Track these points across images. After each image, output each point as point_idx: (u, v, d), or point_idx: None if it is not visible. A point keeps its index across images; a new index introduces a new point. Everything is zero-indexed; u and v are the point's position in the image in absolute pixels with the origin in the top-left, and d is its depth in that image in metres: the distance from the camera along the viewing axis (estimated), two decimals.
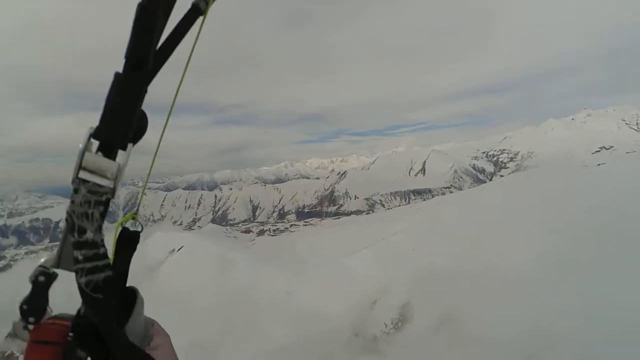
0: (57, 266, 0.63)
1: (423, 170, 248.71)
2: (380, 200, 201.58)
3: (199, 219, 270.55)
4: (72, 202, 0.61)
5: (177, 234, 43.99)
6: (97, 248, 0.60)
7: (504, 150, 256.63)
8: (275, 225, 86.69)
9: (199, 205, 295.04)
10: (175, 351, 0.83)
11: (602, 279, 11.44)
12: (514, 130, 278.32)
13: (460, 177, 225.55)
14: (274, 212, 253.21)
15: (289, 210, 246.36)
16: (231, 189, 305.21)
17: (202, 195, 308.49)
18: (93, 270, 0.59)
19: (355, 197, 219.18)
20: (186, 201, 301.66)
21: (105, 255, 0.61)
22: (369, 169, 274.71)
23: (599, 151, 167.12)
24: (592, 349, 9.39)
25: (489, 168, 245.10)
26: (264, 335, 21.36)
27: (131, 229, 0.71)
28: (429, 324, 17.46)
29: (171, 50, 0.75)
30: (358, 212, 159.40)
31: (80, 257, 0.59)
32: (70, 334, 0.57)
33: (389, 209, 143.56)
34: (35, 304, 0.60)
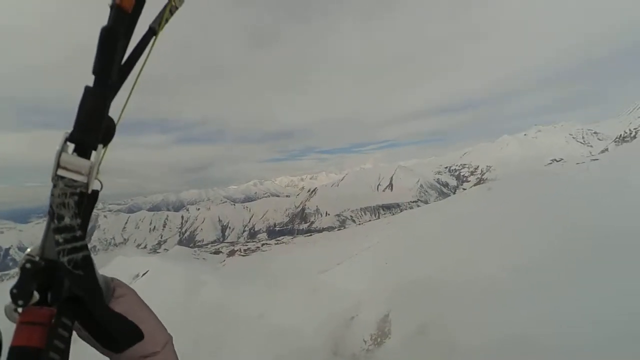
0: (42, 255, 0.68)
1: (390, 185, 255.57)
2: (351, 216, 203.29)
3: (165, 241, 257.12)
4: (52, 195, 0.68)
5: (141, 257, 41.06)
6: (74, 231, 0.67)
7: (464, 165, 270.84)
8: (246, 245, 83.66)
9: (164, 226, 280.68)
10: (143, 300, 0.89)
11: (575, 285, 11.99)
12: (473, 146, 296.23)
13: (426, 191, 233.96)
14: (244, 231, 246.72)
15: (260, 229, 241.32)
16: (199, 209, 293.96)
17: (167, 216, 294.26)
18: (72, 250, 0.65)
19: (326, 213, 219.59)
20: (150, 223, 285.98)
21: (82, 237, 0.67)
22: (338, 185, 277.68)
23: (550, 163, 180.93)
24: (570, 357, 9.71)
25: (452, 182, 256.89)
26: (235, 355, 20.20)
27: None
28: (408, 337, 17.35)
29: (132, 66, 0.85)
30: (330, 229, 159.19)
31: (60, 240, 0.66)
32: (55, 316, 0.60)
33: (359, 224, 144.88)
34: (23, 288, 0.65)
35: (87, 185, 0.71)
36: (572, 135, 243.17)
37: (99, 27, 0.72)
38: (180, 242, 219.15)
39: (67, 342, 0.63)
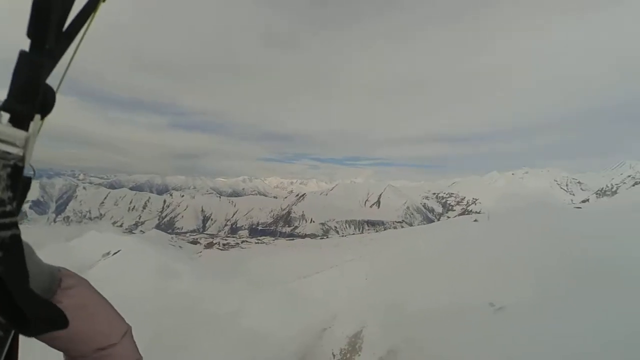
0: None
1: (378, 202, 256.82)
2: (335, 227, 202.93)
3: (143, 222, 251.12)
4: None
5: (115, 235, 39.74)
6: (4, 205, 0.61)
7: (452, 194, 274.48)
8: (226, 240, 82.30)
9: (144, 208, 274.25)
10: (96, 291, 0.83)
11: (554, 316, 12.06)
12: (462, 177, 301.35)
13: (412, 214, 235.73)
14: (225, 225, 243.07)
15: (242, 226, 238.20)
16: (183, 195, 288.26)
17: (149, 198, 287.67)
18: (0, 227, 0.59)
19: (311, 220, 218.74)
20: (131, 202, 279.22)
21: (12, 213, 0.62)
22: (327, 194, 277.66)
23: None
24: None
25: (438, 209, 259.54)
26: (201, 355, 19.47)
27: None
28: (378, 357, 17.09)
29: (76, 32, 0.78)
30: (312, 236, 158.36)
31: None
32: None
33: (343, 236, 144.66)
34: None
35: (22, 158, 0.66)
36: (557, 181, 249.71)
37: None
38: (158, 227, 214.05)
39: None
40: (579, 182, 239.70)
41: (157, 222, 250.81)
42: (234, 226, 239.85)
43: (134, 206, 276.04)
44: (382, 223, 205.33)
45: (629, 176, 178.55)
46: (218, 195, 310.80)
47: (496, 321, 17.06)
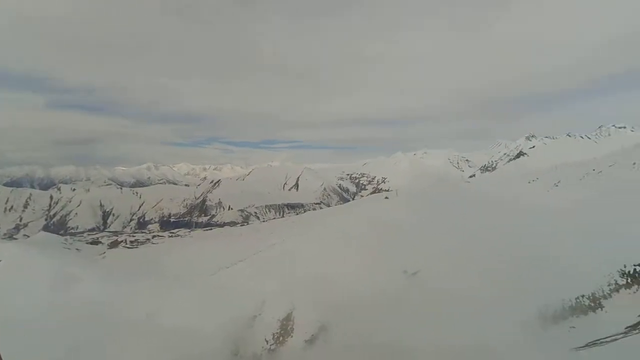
0: None
1: (297, 185, 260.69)
2: (255, 212, 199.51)
3: (26, 225, 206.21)
4: None
5: None
6: None
7: (363, 174, 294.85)
8: (134, 236, 73.71)
9: (25, 207, 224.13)
10: None
11: (458, 277, 14.04)
12: (372, 158, 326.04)
13: (329, 195, 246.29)
14: (131, 220, 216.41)
15: (152, 219, 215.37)
16: (74, 189, 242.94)
17: (30, 194, 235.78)
18: None
19: (229, 207, 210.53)
20: (7, 201, 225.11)
21: None
22: (244, 180, 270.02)
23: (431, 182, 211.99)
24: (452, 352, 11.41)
25: (352, 188, 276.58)
26: None
27: None
28: (311, 335, 17.82)
29: None
30: (232, 224, 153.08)
31: None
32: None
33: (263, 221, 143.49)
34: None
35: None
36: (450, 160, 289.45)
37: None
38: (46, 228, 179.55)
39: None
40: (467, 160, 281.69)
41: (45, 222, 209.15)
42: (141, 220, 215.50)
43: (12, 206, 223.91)
44: (302, 205, 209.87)
45: (505, 154, 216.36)
46: (119, 187, 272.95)
47: (410, 286, 19.33)
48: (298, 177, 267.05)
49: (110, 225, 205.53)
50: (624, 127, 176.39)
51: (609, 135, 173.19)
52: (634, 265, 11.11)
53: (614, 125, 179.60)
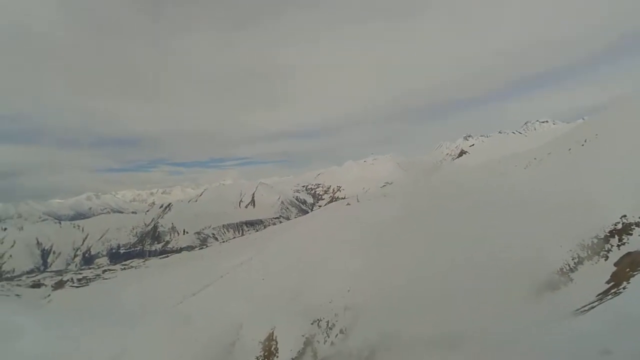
0: None
1: (253, 202, 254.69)
2: (213, 234, 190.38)
3: None
4: None
5: None
6: None
7: (319, 184, 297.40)
8: (81, 273, 65.85)
9: None
10: None
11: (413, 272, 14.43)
12: (325, 168, 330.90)
13: (287, 208, 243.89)
14: (75, 256, 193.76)
15: (99, 253, 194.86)
16: (5, 228, 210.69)
17: None
18: None
19: (184, 231, 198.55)
20: None
21: None
22: (196, 201, 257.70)
23: (384, 186, 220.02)
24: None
25: (309, 199, 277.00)
26: None
27: None
28: (297, 352, 17.09)
29: None
30: (189, 248, 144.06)
31: None
32: None
33: (223, 241, 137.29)
34: None
35: None
36: (398, 163, 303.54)
37: None
38: None
39: None
40: (413, 163, 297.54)
41: None
42: (87, 255, 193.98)
43: None
44: (261, 222, 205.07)
45: (447, 154, 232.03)
46: (57, 221, 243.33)
47: (388, 289, 19.51)
48: (253, 193, 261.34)
49: (51, 265, 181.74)
50: (547, 122, 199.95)
51: (535, 129, 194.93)
52: (591, 238, 12.38)
53: (538, 121, 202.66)
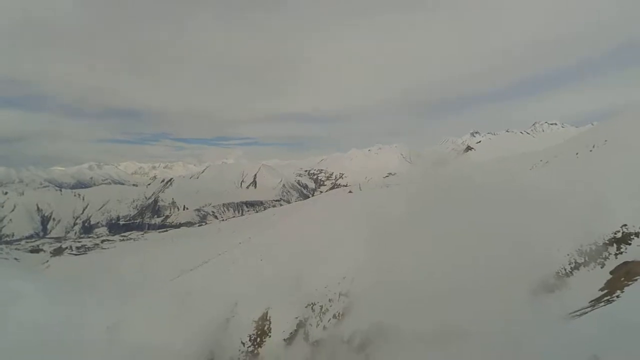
0: None
1: (254, 182, 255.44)
2: (213, 212, 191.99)
3: None
4: None
5: None
6: None
7: (321, 170, 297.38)
8: (80, 241, 66.83)
9: None
10: None
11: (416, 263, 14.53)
12: (328, 155, 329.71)
13: (288, 191, 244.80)
14: (75, 224, 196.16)
15: (98, 222, 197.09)
16: (6, 192, 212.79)
17: None
18: None
19: (185, 207, 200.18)
20: None
21: None
22: (198, 178, 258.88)
23: (387, 176, 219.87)
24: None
25: (311, 184, 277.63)
26: None
27: None
28: (289, 334, 17.47)
29: None
30: (189, 224, 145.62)
31: None
32: None
33: (223, 220, 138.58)
34: None
35: None
36: (402, 155, 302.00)
37: None
38: None
39: None
40: (418, 155, 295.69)
41: None
42: (86, 224, 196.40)
43: None
44: (261, 203, 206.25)
45: (453, 149, 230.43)
46: (58, 188, 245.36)
47: (385, 278, 19.74)
48: (255, 174, 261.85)
49: (51, 231, 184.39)
50: (555, 124, 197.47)
51: (543, 131, 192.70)
52: (590, 245, 12.42)
53: (546, 122, 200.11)
